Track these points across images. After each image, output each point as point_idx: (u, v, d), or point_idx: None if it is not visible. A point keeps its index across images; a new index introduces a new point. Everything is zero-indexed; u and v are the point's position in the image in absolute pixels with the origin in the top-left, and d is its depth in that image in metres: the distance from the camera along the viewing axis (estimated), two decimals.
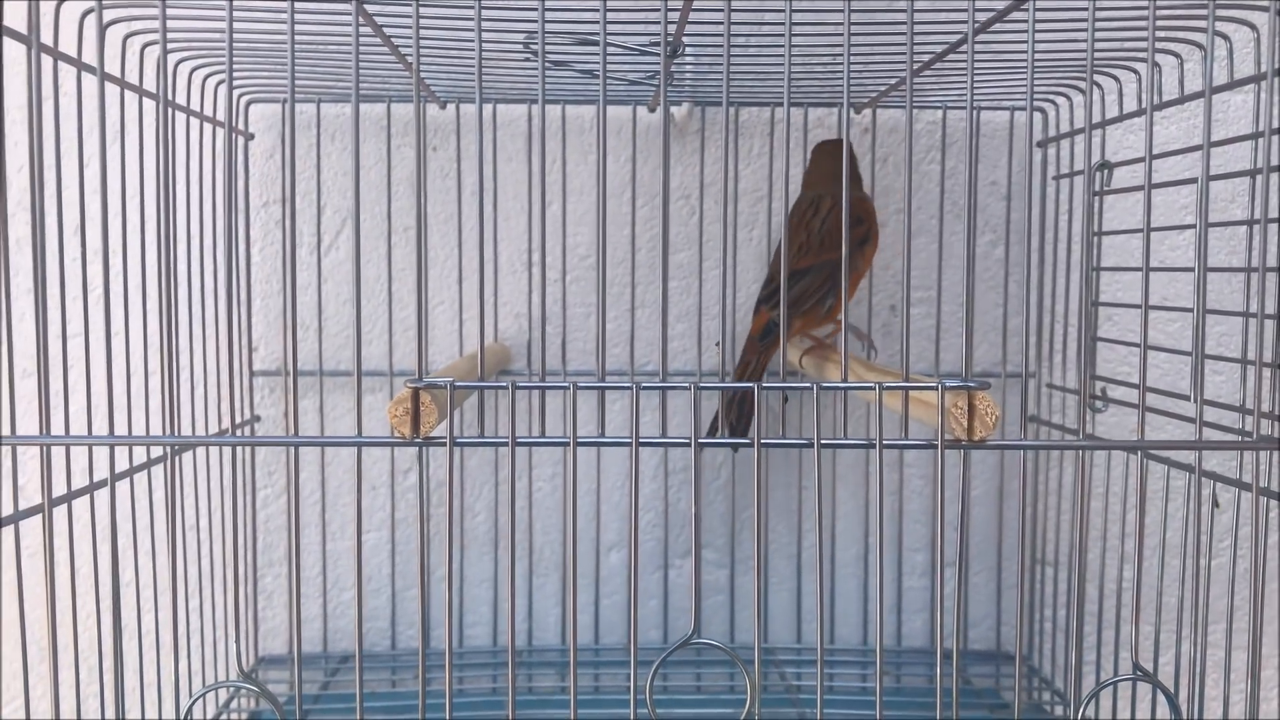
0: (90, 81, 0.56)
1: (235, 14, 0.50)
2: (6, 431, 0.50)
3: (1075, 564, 0.59)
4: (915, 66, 0.67)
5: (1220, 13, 0.58)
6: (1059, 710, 0.78)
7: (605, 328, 0.50)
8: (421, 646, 0.47)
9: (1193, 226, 0.51)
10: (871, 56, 0.67)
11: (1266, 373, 0.51)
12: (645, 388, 0.47)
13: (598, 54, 0.49)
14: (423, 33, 0.50)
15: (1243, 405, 0.56)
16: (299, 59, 0.66)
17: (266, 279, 0.85)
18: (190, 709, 0.48)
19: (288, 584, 0.86)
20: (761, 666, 0.85)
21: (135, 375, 0.70)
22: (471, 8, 0.49)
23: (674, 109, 0.84)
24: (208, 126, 0.76)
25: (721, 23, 0.49)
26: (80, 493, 0.55)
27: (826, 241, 0.75)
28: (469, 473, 0.86)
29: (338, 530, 0.87)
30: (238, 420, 0.76)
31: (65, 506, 0.53)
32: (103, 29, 0.51)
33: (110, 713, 0.54)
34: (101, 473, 0.55)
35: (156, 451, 0.66)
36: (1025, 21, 0.49)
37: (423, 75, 0.73)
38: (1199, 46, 0.62)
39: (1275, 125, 0.55)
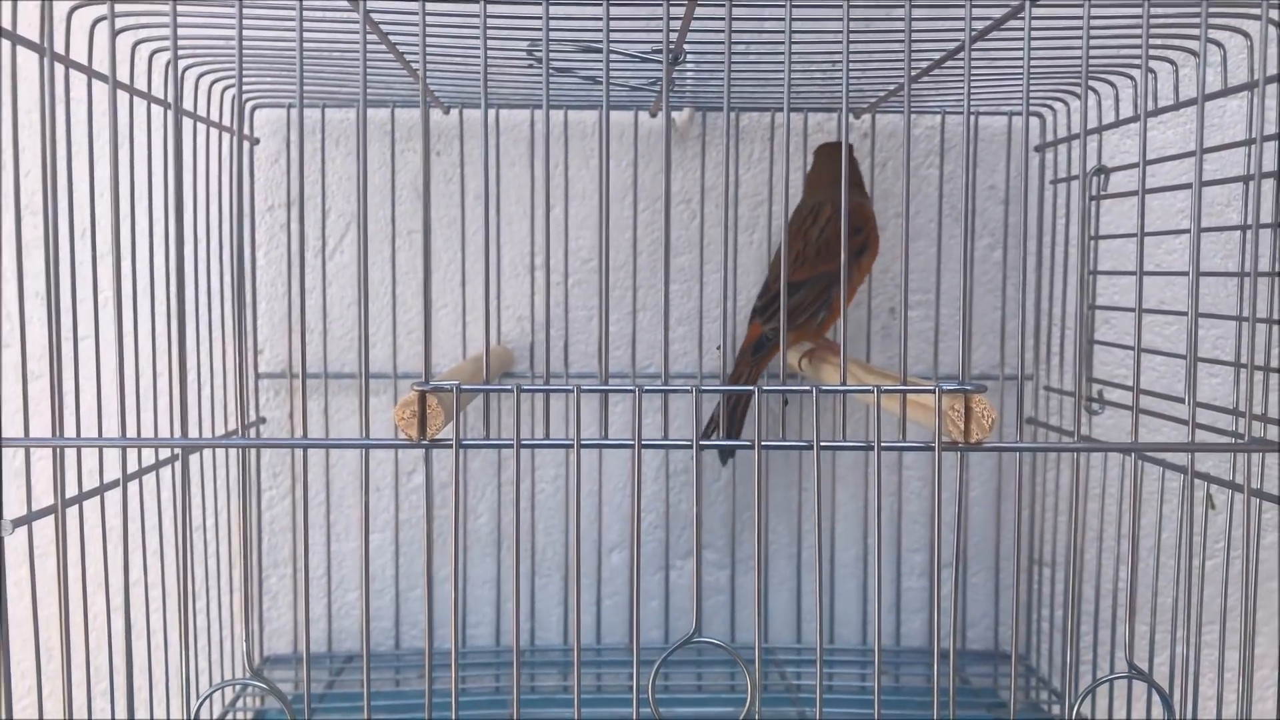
0: (97, 86, 0.57)
1: (236, 20, 0.51)
2: (20, 433, 0.51)
3: (1072, 564, 0.60)
4: (913, 73, 0.68)
5: (1213, 21, 0.59)
6: (1056, 709, 0.79)
7: (608, 331, 0.51)
8: (428, 646, 0.48)
9: (1188, 231, 0.52)
10: (870, 63, 0.68)
11: (1259, 376, 0.52)
12: (648, 390, 0.48)
13: (600, 61, 0.50)
14: (427, 39, 0.50)
15: (1236, 408, 0.57)
16: (307, 66, 0.67)
17: (271, 282, 0.86)
18: (200, 706, 0.49)
19: (292, 584, 0.87)
20: (762, 666, 0.85)
21: (144, 378, 0.71)
22: (476, 15, 0.49)
23: (675, 114, 0.85)
24: (212, 130, 0.77)
25: (723, 30, 0.50)
26: (91, 494, 0.56)
27: (824, 251, 0.75)
28: (472, 475, 0.87)
29: (342, 531, 0.87)
30: (241, 423, 0.77)
31: (76, 507, 0.54)
32: (114, 36, 0.52)
33: (120, 711, 0.55)
34: (111, 475, 0.56)
35: (164, 454, 0.67)
36: (1022, 29, 0.50)
37: (427, 81, 0.74)
38: (1193, 54, 0.63)
39: (1268, 131, 0.55)
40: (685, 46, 0.66)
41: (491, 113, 0.84)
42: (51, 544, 0.51)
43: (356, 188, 0.84)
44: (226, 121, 0.78)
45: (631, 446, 0.47)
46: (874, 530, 0.88)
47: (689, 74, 0.75)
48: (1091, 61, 0.68)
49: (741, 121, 0.86)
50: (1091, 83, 0.76)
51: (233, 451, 0.79)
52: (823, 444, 0.48)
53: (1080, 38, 0.51)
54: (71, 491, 0.54)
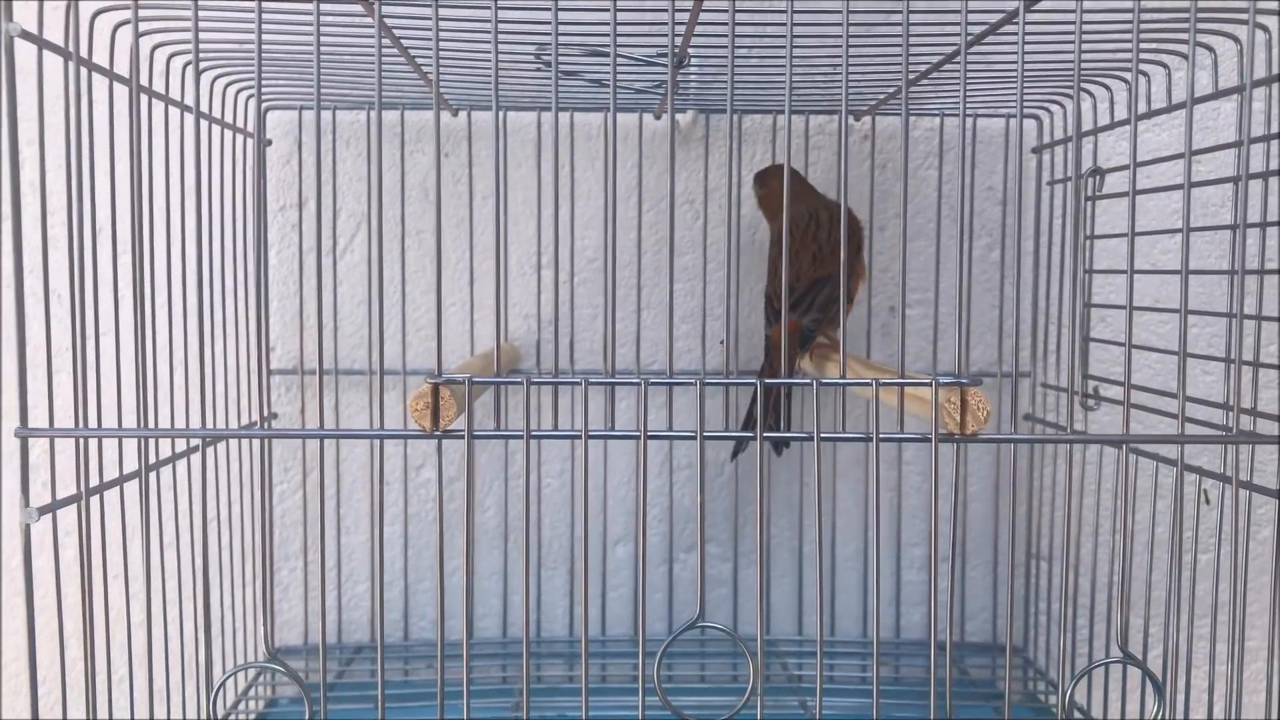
0: (114, 86, 0.59)
1: (250, 24, 0.52)
2: (45, 424, 0.53)
3: (1067, 553, 0.61)
4: (911, 76, 0.69)
5: (1204, 26, 0.61)
6: (1053, 699, 0.81)
7: (614, 326, 0.52)
8: (440, 635, 0.50)
9: (1179, 230, 0.53)
10: (870, 66, 0.70)
11: (1247, 370, 0.53)
12: (653, 383, 0.49)
13: (607, 64, 0.52)
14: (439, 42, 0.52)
15: (1226, 402, 0.58)
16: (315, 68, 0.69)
17: (283, 281, 0.87)
18: (218, 691, 0.50)
19: (303, 577, 0.89)
20: (764, 657, 0.87)
21: (161, 373, 0.73)
22: (485, 20, 0.51)
23: (679, 117, 0.87)
24: (224, 131, 0.79)
25: (726, 34, 0.52)
26: (112, 484, 0.58)
27: (837, 252, 0.78)
28: (479, 470, 0.89)
29: (352, 525, 0.89)
30: (256, 417, 0.78)
31: (97, 498, 0.56)
32: (137, 40, 0.53)
33: (140, 695, 0.57)
34: (130, 470, 0.58)
35: (180, 447, 0.68)
36: (1019, 33, 0.51)
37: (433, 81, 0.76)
38: (1185, 57, 0.64)
39: (1256, 133, 0.57)
40: (689, 50, 0.68)
41: (494, 113, 0.85)
42: (66, 535, 0.53)
43: (368, 188, 0.87)
44: (237, 122, 0.80)
45: (637, 437, 0.49)
46: (874, 524, 0.89)
47: (693, 77, 0.77)
48: (1086, 65, 0.70)
49: (744, 124, 0.88)
50: (1087, 86, 0.78)
51: (248, 446, 0.81)
52: (823, 435, 0.49)
53: (1075, 41, 0.52)
54: (93, 484, 0.55)
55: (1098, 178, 0.76)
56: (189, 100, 0.70)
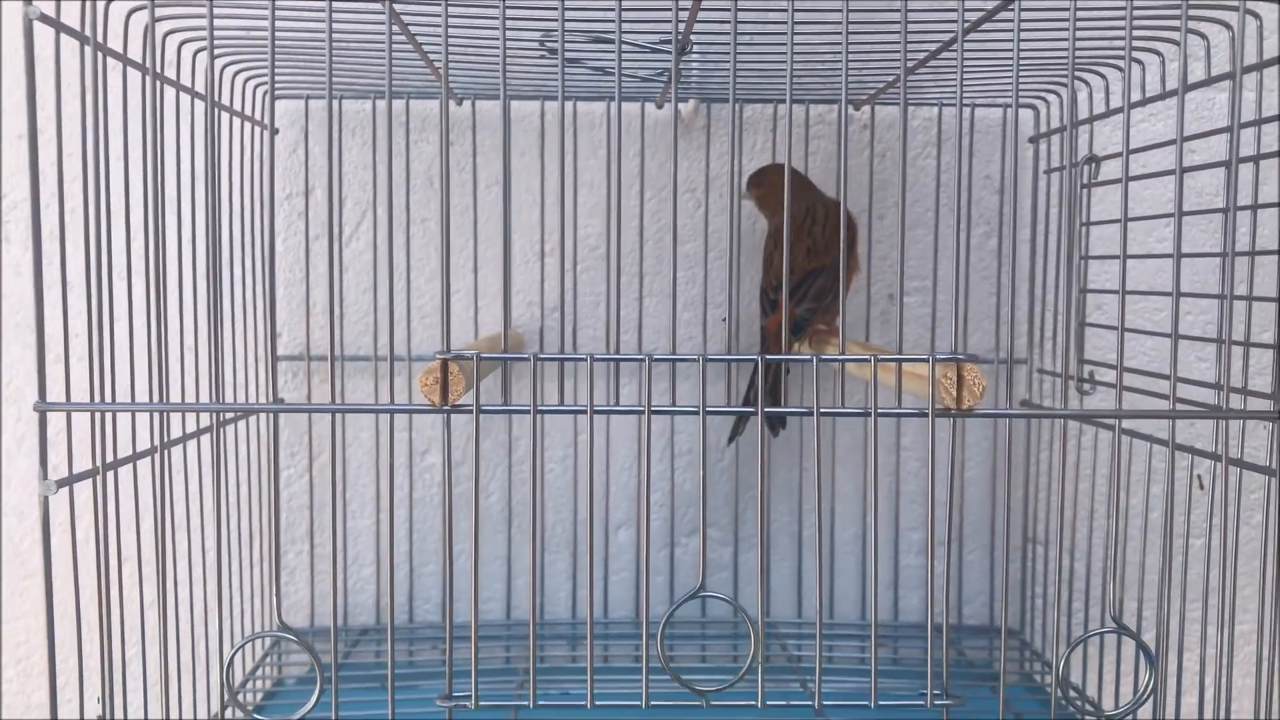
0: (118, 71, 0.60)
1: (260, 13, 0.53)
2: (62, 399, 0.54)
3: (1062, 531, 0.62)
4: (909, 65, 0.71)
5: (1197, 13, 0.62)
6: (1049, 680, 0.82)
7: (619, 305, 0.53)
8: (449, 615, 0.51)
9: (1171, 215, 0.55)
10: (869, 56, 0.71)
11: (1237, 350, 0.55)
12: (657, 359, 0.50)
13: (610, 51, 0.53)
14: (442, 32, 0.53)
15: (1218, 382, 0.60)
16: (323, 57, 0.70)
17: (289, 268, 0.88)
18: (232, 659, 0.52)
19: (309, 560, 0.90)
20: (764, 637, 0.88)
21: (173, 355, 0.74)
22: (490, 6, 0.52)
23: (681, 105, 0.88)
24: (231, 118, 0.80)
25: (728, 22, 0.53)
26: (125, 461, 0.59)
27: (831, 244, 0.80)
28: (484, 455, 0.90)
29: (358, 509, 0.90)
30: (264, 401, 0.80)
31: (112, 474, 0.57)
32: (153, 27, 0.55)
33: (154, 668, 0.58)
34: (144, 450, 0.59)
35: (196, 426, 0.70)
36: (1014, 22, 0.53)
37: (440, 72, 0.77)
38: (1179, 45, 0.65)
39: (1245, 119, 0.58)
40: (692, 39, 0.69)
41: (501, 102, 0.86)
42: (78, 517, 0.54)
43: (372, 177, 0.88)
44: (244, 110, 0.81)
45: (641, 412, 0.50)
46: (873, 510, 0.90)
47: (694, 66, 0.78)
48: (1082, 54, 0.71)
49: (745, 113, 0.89)
50: (1084, 74, 0.79)
51: (255, 431, 0.82)
52: (822, 410, 0.51)
53: (1070, 31, 0.54)
54: (108, 462, 0.57)
55: (1093, 165, 0.78)
56: (200, 87, 0.71)
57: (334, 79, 0.80)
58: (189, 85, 0.71)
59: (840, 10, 0.52)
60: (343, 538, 0.90)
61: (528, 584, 0.90)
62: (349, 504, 0.90)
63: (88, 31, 0.53)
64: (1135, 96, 0.73)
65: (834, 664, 0.83)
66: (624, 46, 0.68)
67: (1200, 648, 0.65)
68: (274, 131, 0.85)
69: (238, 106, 0.80)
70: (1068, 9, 0.54)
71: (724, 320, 0.88)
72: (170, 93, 0.68)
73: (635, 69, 0.76)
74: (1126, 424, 0.73)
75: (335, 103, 0.87)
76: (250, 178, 0.81)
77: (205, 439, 0.70)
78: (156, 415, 0.55)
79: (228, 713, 0.57)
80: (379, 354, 0.87)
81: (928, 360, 0.50)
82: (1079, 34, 0.63)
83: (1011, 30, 0.53)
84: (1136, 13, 0.60)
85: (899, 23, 0.53)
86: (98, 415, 0.54)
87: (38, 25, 0.51)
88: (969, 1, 0.54)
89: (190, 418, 0.68)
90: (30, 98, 0.51)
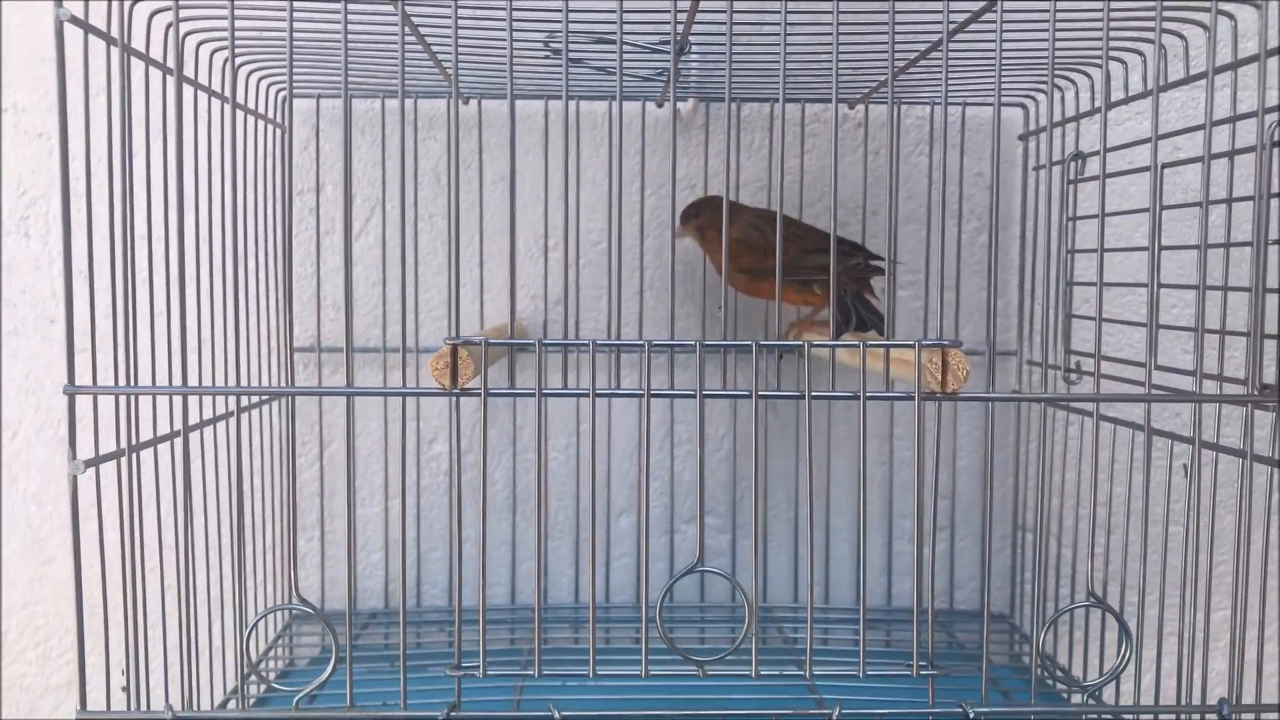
0: (137, 68, 0.63)
1: (273, 13, 0.56)
2: (89, 382, 0.56)
3: (1043, 510, 0.65)
4: (902, 65, 0.73)
5: (1175, 15, 0.65)
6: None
7: (620, 301, 0.56)
8: (457, 597, 0.53)
9: (1146, 210, 0.57)
10: (862, 56, 0.73)
11: (1228, 339, 0.57)
12: (656, 344, 0.53)
13: (612, 52, 0.55)
14: (451, 34, 0.56)
15: (1196, 370, 0.62)
16: (333, 57, 0.73)
17: (300, 262, 0.91)
18: (252, 629, 0.54)
19: (320, 547, 0.92)
20: (761, 623, 0.91)
21: (190, 342, 0.77)
22: (498, 9, 0.55)
23: (681, 104, 0.91)
24: (245, 116, 0.82)
25: (724, 23, 0.55)
26: (147, 444, 0.61)
27: (809, 237, 0.82)
28: (489, 443, 0.92)
29: (367, 497, 0.93)
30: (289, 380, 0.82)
31: (133, 456, 0.60)
32: (177, 27, 0.57)
33: (175, 644, 0.60)
34: (165, 436, 0.62)
35: (218, 411, 0.72)
36: (1005, 22, 0.55)
37: (449, 73, 0.80)
38: (1162, 46, 0.68)
39: (1228, 116, 0.61)
40: (690, 39, 0.72)
41: (507, 103, 0.89)
42: (89, 507, 0.56)
43: (381, 174, 0.91)
44: (257, 108, 0.83)
45: (641, 395, 0.53)
46: (867, 499, 0.93)
47: (694, 66, 0.81)
48: (1069, 54, 0.74)
49: (743, 111, 0.92)
50: (1072, 74, 0.81)
51: (269, 420, 0.85)
52: (814, 394, 0.53)
53: (1058, 31, 0.56)
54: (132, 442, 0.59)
55: (1079, 162, 0.80)
56: (215, 84, 0.74)
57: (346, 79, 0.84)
58: (205, 84, 0.73)
59: (831, 11, 0.54)
60: (352, 522, 0.92)
61: (531, 570, 0.93)
62: (357, 491, 0.93)
63: (114, 33, 0.56)
64: (1122, 95, 0.76)
65: (829, 646, 0.86)
66: (625, 47, 0.71)
67: (1178, 625, 0.67)
68: (288, 130, 0.89)
69: (251, 104, 0.82)
70: (1046, 9, 0.56)
71: (719, 309, 0.91)
72: (188, 90, 0.71)
73: (636, 69, 0.79)
74: (1109, 411, 0.76)
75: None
76: (262, 174, 0.84)
77: (222, 427, 0.72)
78: (179, 401, 0.58)
79: (248, 687, 0.59)
80: (387, 345, 0.90)
81: (914, 346, 0.53)
82: (1064, 34, 0.66)
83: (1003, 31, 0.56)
84: (1119, 14, 0.63)
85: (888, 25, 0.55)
86: (123, 400, 0.56)
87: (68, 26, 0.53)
88: (956, 4, 0.56)
89: (208, 405, 0.70)
90: (61, 96, 0.54)
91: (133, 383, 0.57)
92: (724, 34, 0.56)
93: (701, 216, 0.84)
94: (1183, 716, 0.59)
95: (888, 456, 0.94)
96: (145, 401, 0.60)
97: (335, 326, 0.91)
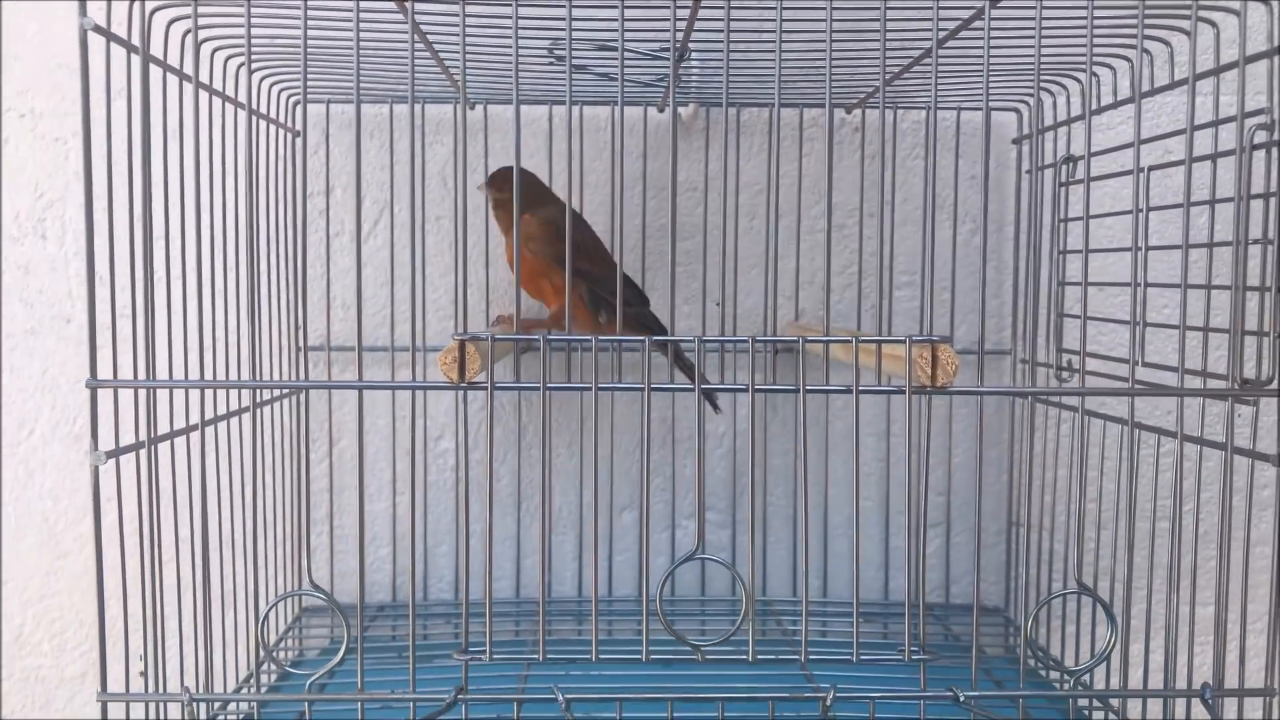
0: (164, 75, 0.65)
1: (284, 20, 0.58)
2: (110, 376, 0.59)
3: (1031, 497, 0.67)
4: (894, 71, 0.75)
5: (1159, 22, 0.67)
6: (1028, 650, 0.86)
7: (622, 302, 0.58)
8: (465, 588, 0.55)
9: (1137, 211, 0.59)
10: (858, 62, 0.75)
11: (1194, 334, 0.59)
12: (656, 340, 0.55)
13: (614, 58, 0.57)
14: (458, 41, 0.58)
15: (1179, 365, 0.64)
16: (343, 64, 0.75)
17: (311, 263, 0.93)
18: (268, 612, 0.56)
19: (329, 542, 0.94)
20: (760, 617, 0.93)
21: (206, 337, 0.79)
22: (504, 17, 0.57)
23: (681, 109, 0.93)
24: (256, 121, 0.85)
25: (722, 30, 0.57)
26: (164, 437, 0.64)
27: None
28: (494, 440, 0.95)
29: (375, 493, 0.95)
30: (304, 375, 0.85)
31: (153, 448, 0.62)
32: (195, 35, 0.59)
33: (191, 631, 0.62)
34: (181, 428, 0.64)
35: (235, 407, 0.74)
36: (997, 29, 0.57)
37: (456, 79, 0.82)
38: (1147, 52, 0.70)
39: (1214, 119, 0.63)
40: (690, 45, 0.74)
41: (513, 107, 0.91)
42: (108, 500, 0.58)
43: (389, 177, 0.93)
44: (268, 112, 0.86)
45: (642, 389, 0.55)
46: (863, 494, 0.95)
47: (694, 72, 0.83)
48: (1059, 58, 0.76)
49: (742, 116, 0.94)
50: (1063, 79, 0.84)
51: (280, 416, 0.87)
52: (808, 388, 0.55)
53: (1049, 37, 0.58)
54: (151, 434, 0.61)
55: (1070, 165, 0.82)
56: (228, 89, 0.76)
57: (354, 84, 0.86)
58: (219, 88, 0.75)
59: (825, 19, 0.57)
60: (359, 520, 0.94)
61: (536, 564, 0.95)
62: (366, 487, 0.95)
63: (135, 41, 0.58)
64: (1110, 99, 0.78)
65: (827, 639, 0.88)
66: (627, 54, 0.73)
67: (1166, 615, 0.69)
68: (297, 134, 0.91)
69: (263, 109, 0.85)
70: (1032, 17, 0.58)
71: (717, 304, 0.93)
72: (204, 95, 0.73)
73: (637, 75, 0.81)
74: (1099, 407, 0.78)
75: (354, 106, 0.92)
76: (274, 177, 0.86)
77: (236, 423, 0.75)
78: (197, 395, 0.60)
79: (261, 672, 0.61)
80: (396, 344, 0.92)
81: (904, 341, 0.55)
82: (1055, 41, 0.68)
83: (993, 35, 0.58)
84: (1104, 22, 0.65)
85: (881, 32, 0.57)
86: (144, 394, 0.58)
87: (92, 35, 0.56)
88: (945, 10, 0.58)
89: (223, 400, 0.73)
90: (85, 101, 0.56)
91: (152, 377, 0.59)
92: (722, 41, 0.58)
93: (504, 192, 0.82)
94: (1167, 700, 0.61)
95: (884, 454, 0.96)
96: (163, 397, 0.62)
97: (345, 326, 0.93)
